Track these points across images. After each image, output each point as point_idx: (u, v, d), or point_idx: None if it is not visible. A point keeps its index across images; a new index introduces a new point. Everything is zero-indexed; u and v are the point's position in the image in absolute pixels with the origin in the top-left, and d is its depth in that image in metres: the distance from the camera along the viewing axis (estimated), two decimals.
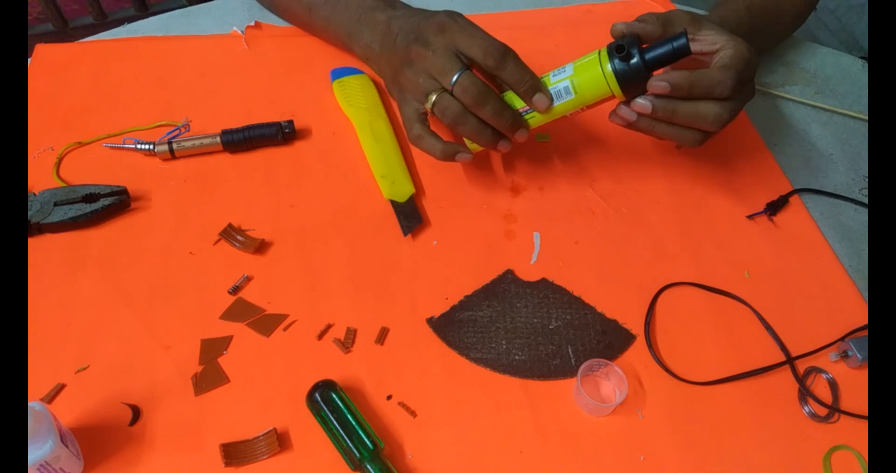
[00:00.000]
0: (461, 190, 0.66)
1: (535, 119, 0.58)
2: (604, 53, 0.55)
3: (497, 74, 0.56)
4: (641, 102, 0.55)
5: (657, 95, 0.55)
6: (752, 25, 0.70)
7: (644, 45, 0.55)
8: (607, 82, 0.55)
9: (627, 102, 0.56)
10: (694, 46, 0.57)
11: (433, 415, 0.52)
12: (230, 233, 0.60)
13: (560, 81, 0.56)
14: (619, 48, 0.54)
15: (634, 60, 0.53)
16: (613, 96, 0.56)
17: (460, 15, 0.59)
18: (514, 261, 0.61)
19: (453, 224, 0.63)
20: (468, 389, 0.53)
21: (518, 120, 0.58)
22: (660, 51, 0.54)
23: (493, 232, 0.63)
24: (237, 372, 0.53)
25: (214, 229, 0.61)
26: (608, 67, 0.54)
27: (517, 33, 0.82)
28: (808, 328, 0.58)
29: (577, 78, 0.56)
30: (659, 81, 0.53)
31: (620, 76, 0.54)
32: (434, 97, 0.56)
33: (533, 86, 0.56)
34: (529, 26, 0.82)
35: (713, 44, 0.57)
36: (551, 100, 0.57)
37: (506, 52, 0.56)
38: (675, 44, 0.53)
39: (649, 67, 0.54)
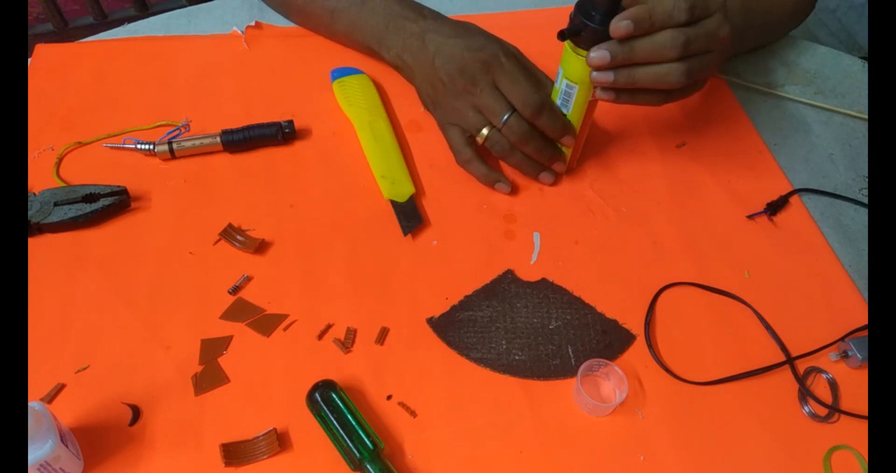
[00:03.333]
0: (461, 190, 0.66)
1: (566, 148, 0.65)
2: (567, 43, 0.57)
3: (532, 121, 0.61)
4: (595, 54, 0.54)
5: (614, 42, 0.54)
6: (745, 17, 0.69)
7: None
8: (569, 51, 0.57)
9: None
10: None
11: (433, 415, 0.52)
12: (230, 233, 0.60)
13: (560, 83, 0.59)
14: (571, 19, 0.55)
15: (576, 20, 0.54)
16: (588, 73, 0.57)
17: (505, 52, 0.63)
18: (514, 261, 0.61)
19: (453, 224, 0.63)
20: (468, 389, 0.53)
21: (557, 153, 0.65)
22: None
23: (493, 232, 0.63)
24: (237, 372, 0.53)
25: (214, 229, 0.61)
26: (568, 43, 0.56)
27: (517, 33, 0.82)
28: (808, 328, 0.58)
29: (567, 70, 0.58)
30: (619, 20, 0.52)
31: (584, 44, 0.55)
32: (486, 132, 0.63)
33: (563, 130, 0.62)
34: (529, 26, 0.81)
35: None
36: (575, 135, 0.62)
37: (542, 106, 0.60)
38: None
39: (602, 19, 0.53)
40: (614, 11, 0.53)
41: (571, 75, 0.58)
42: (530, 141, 0.62)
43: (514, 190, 0.66)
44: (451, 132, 0.66)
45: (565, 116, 0.61)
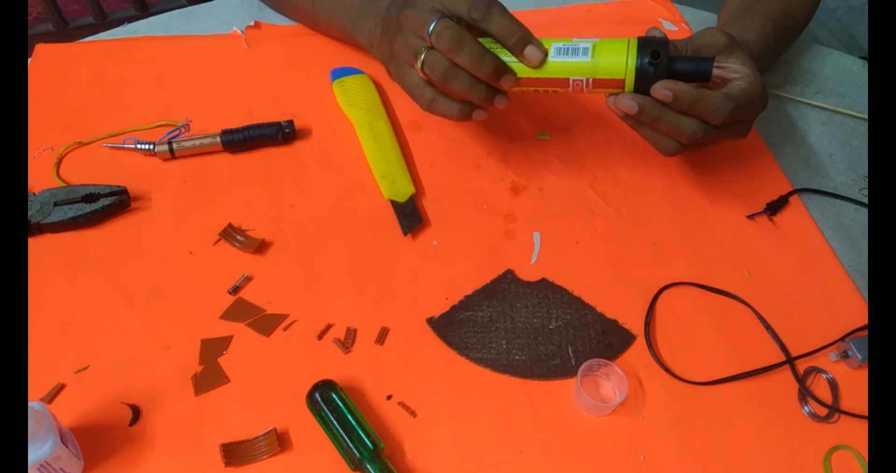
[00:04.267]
0: (461, 190, 0.66)
1: (522, 72, 0.56)
2: (634, 43, 0.54)
3: (484, 26, 0.54)
4: (627, 102, 0.55)
5: (650, 100, 0.54)
6: (777, 47, 0.70)
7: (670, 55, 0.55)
8: (626, 71, 0.54)
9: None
10: (715, 72, 0.57)
11: (433, 415, 0.52)
12: (230, 233, 0.60)
13: (581, 42, 0.55)
14: (654, 54, 0.53)
15: (660, 67, 0.53)
16: (614, 84, 0.56)
17: None
18: (514, 261, 0.61)
19: (453, 224, 0.63)
20: (468, 389, 0.53)
21: (501, 66, 0.54)
22: (684, 67, 0.54)
23: (493, 232, 0.63)
24: (237, 372, 0.53)
25: (214, 229, 0.61)
26: (635, 58, 0.54)
27: None
28: (808, 328, 0.58)
29: (601, 48, 0.55)
30: (664, 88, 0.53)
31: (640, 73, 0.54)
32: (423, 55, 0.54)
33: (523, 38, 0.54)
34: (529, 26, 0.81)
35: (734, 72, 0.58)
36: (545, 53, 0.55)
37: (491, 3, 0.54)
38: (700, 68, 0.54)
39: (668, 76, 0.54)
40: (682, 78, 0.54)
41: (601, 52, 0.55)
42: (463, 46, 0.52)
43: (514, 190, 0.66)
44: (406, 78, 0.58)
45: (509, 22, 0.54)
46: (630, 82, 0.55)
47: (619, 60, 0.54)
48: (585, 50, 0.55)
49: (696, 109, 0.54)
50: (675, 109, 0.54)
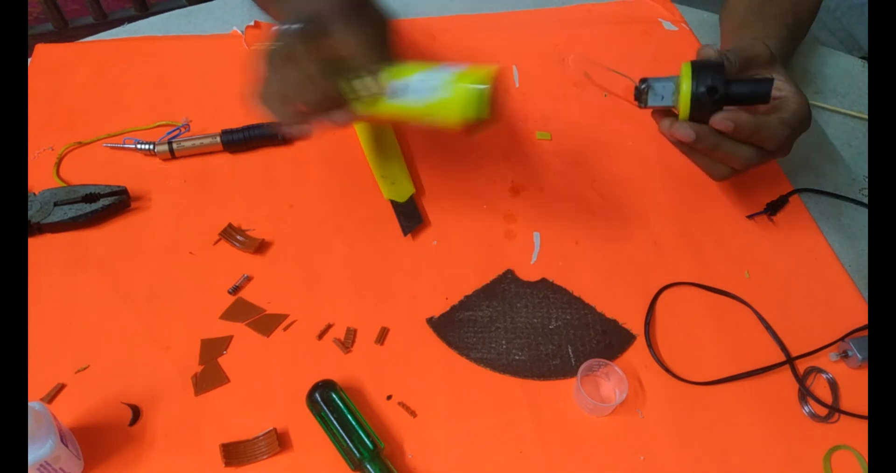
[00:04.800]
0: (461, 190, 0.66)
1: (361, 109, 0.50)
2: (688, 69, 0.53)
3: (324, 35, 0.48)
4: (685, 131, 0.54)
5: (707, 129, 0.54)
6: (791, 44, 0.70)
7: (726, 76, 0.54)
8: (680, 100, 0.54)
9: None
10: None
11: (433, 415, 0.52)
12: (230, 233, 0.60)
13: (436, 74, 0.50)
14: (709, 90, 0.53)
15: (716, 96, 0.53)
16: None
17: None
18: (514, 261, 0.61)
19: (453, 224, 0.63)
20: (468, 389, 0.53)
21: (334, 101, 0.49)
22: (742, 91, 0.54)
23: (493, 232, 0.63)
24: (237, 372, 0.53)
25: (214, 229, 0.61)
26: (690, 85, 0.53)
27: (517, 33, 0.83)
28: (808, 328, 0.58)
29: (455, 87, 0.49)
30: (725, 119, 0.53)
31: (696, 102, 0.53)
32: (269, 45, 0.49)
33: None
34: (529, 26, 0.82)
35: (779, 90, 0.58)
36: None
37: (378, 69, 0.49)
38: (759, 90, 0.54)
39: (727, 101, 0.54)
40: (739, 103, 0.54)
41: (683, 102, 0.54)
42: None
43: (514, 190, 0.66)
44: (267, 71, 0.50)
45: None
46: (685, 110, 0.54)
47: (465, 106, 0.49)
48: (434, 87, 0.49)
49: (756, 137, 0.54)
50: (733, 138, 0.55)
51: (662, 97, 0.55)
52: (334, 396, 0.50)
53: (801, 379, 0.55)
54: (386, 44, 0.51)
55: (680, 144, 0.57)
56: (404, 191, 0.64)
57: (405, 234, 0.62)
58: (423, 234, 0.63)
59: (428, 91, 0.50)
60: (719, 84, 0.53)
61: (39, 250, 0.59)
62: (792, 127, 0.56)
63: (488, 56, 0.77)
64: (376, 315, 0.57)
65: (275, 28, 0.49)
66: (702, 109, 0.54)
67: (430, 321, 0.57)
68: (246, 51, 0.76)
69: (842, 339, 0.56)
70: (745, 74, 0.57)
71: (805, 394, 0.54)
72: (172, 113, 0.70)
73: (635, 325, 0.58)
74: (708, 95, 0.53)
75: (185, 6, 0.85)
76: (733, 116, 0.53)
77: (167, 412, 0.51)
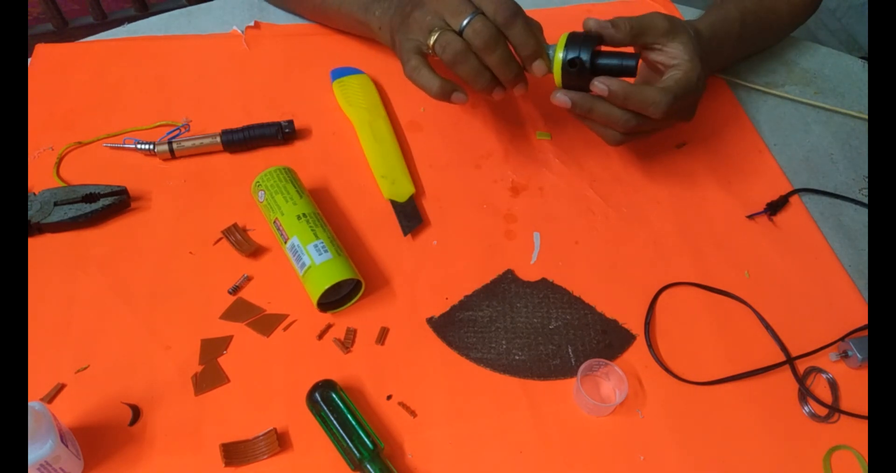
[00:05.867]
0: (461, 190, 0.66)
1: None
2: (564, 39, 0.57)
3: (504, 31, 0.56)
4: (560, 98, 0.58)
5: (582, 95, 0.57)
6: (742, 34, 0.71)
7: (601, 48, 0.57)
8: (554, 68, 0.57)
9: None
10: (655, 56, 0.60)
11: (433, 415, 0.52)
12: (233, 232, 0.60)
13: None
14: (571, 62, 0.56)
15: (582, 68, 0.56)
16: None
17: None
18: (514, 261, 0.61)
19: (453, 224, 0.63)
20: (468, 389, 0.53)
21: (521, 74, 0.58)
22: (608, 63, 0.57)
23: (493, 232, 0.63)
24: (237, 372, 0.53)
25: (214, 229, 0.61)
26: (560, 55, 0.57)
27: None
28: (808, 328, 0.58)
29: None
30: (601, 83, 0.56)
31: (564, 73, 0.57)
32: (437, 34, 0.56)
33: (535, 52, 0.57)
34: None
35: (673, 58, 0.59)
36: (549, 69, 0.58)
37: (517, 12, 0.56)
38: (624, 63, 0.57)
39: (594, 72, 0.57)
40: (609, 74, 0.57)
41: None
42: (496, 48, 0.55)
43: (514, 190, 0.66)
44: (405, 44, 0.59)
45: (527, 34, 0.56)
46: (557, 78, 0.58)
47: (555, 60, 0.57)
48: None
49: (633, 103, 0.56)
50: (610, 102, 0.57)
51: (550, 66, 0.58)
52: (334, 396, 0.50)
53: (801, 379, 0.55)
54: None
55: (569, 111, 0.59)
56: (404, 191, 0.64)
57: (405, 234, 0.62)
58: (423, 234, 0.63)
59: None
60: (585, 56, 0.56)
61: (39, 250, 0.59)
62: (674, 94, 0.56)
63: None
64: (376, 315, 0.57)
65: (428, 18, 0.57)
66: (571, 78, 0.57)
67: (430, 321, 0.57)
68: (246, 50, 0.76)
69: (842, 339, 0.56)
70: (636, 42, 0.59)
71: (805, 394, 0.54)
72: (172, 113, 0.70)
73: (635, 325, 0.58)
74: (569, 65, 0.56)
75: (185, 6, 0.85)
76: (608, 81, 0.56)
77: (167, 412, 0.51)
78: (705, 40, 0.64)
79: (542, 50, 0.57)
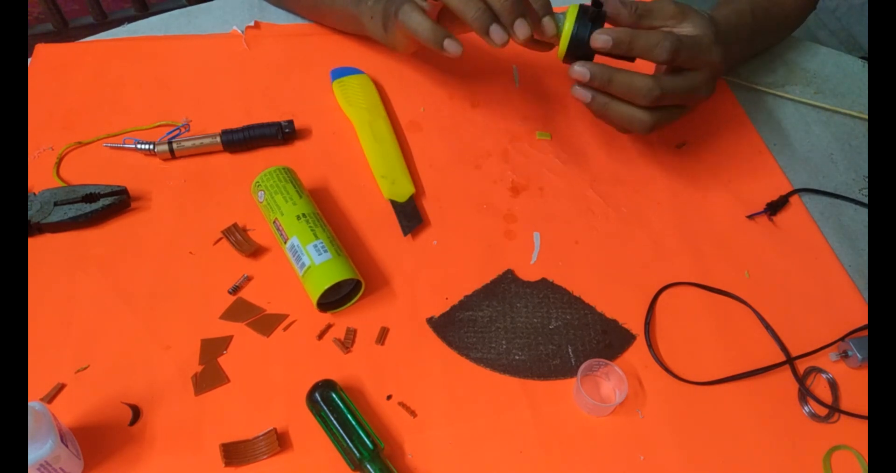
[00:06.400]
0: (461, 190, 0.66)
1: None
2: (572, 13, 0.56)
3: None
4: (579, 69, 0.56)
5: (599, 65, 0.55)
6: (754, 27, 0.70)
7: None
8: (561, 39, 0.56)
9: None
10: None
11: (433, 415, 0.52)
12: (232, 232, 0.60)
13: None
14: (578, 36, 0.56)
15: (585, 35, 0.56)
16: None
17: None
18: (514, 261, 0.61)
19: (453, 224, 0.63)
20: (468, 389, 0.53)
21: (525, 12, 0.55)
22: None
23: (493, 232, 0.63)
24: (237, 372, 0.53)
25: (215, 229, 0.61)
26: (569, 26, 0.56)
27: None
28: (808, 328, 0.58)
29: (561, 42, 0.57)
30: (601, 34, 0.55)
31: (571, 45, 0.56)
32: None
33: (546, 5, 0.56)
34: None
35: (682, 29, 0.58)
36: (557, 29, 0.56)
37: None
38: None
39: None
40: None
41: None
42: None
43: (514, 190, 0.66)
44: None
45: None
46: (562, 49, 0.57)
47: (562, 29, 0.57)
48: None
49: (638, 46, 0.54)
50: (622, 56, 0.55)
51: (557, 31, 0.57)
52: (334, 396, 0.50)
53: (801, 379, 0.55)
54: None
55: (593, 102, 0.58)
56: (404, 191, 0.64)
57: (405, 234, 0.62)
58: (423, 234, 0.63)
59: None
60: (584, 32, 0.55)
61: (39, 250, 0.59)
62: (678, 40, 0.55)
63: (488, 56, 0.77)
64: (376, 315, 0.57)
65: None
66: (577, 50, 0.56)
67: (430, 320, 0.57)
68: (246, 50, 0.76)
69: (842, 339, 0.56)
70: (641, 24, 0.58)
71: (805, 394, 0.54)
72: (172, 113, 0.70)
73: (635, 325, 0.58)
74: (576, 40, 0.56)
75: (185, 6, 0.85)
76: (608, 30, 0.55)
77: (167, 411, 0.51)
78: (723, 31, 0.62)
79: (550, 8, 0.56)
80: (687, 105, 0.60)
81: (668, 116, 0.59)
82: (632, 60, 0.57)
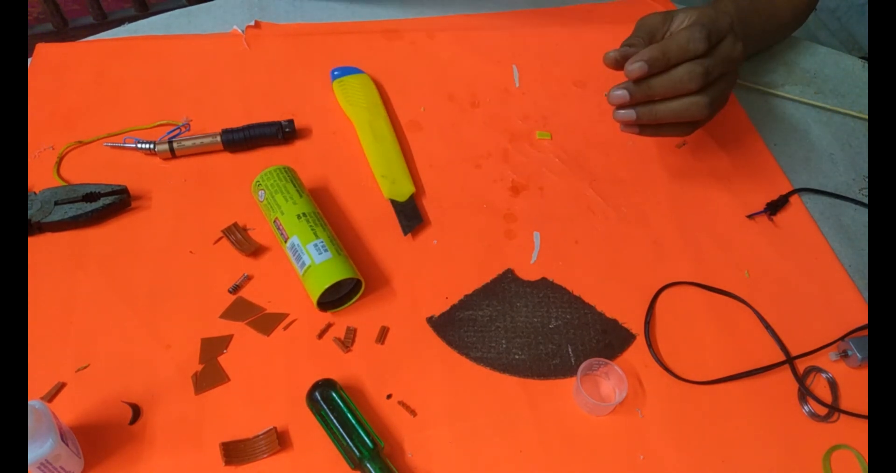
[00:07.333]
0: (461, 190, 0.66)
1: None
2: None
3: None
4: (616, 93, 0.56)
5: (627, 82, 0.55)
6: (755, 14, 0.70)
7: None
8: None
9: None
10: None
11: (433, 415, 0.52)
12: (233, 231, 0.60)
13: None
14: None
15: None
16: None
17: None
18: (514, 261, 0.61)
19: (453, 224, 0.63)
20: (468, 388, 0.54)
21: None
22: None
23: (493, 232, 0.63)
24: (237, 371, 0.53)
25: (215, 229, 0.61)
26: None
27: (517, 33, 0.83)
28: (808, 327, 0.58)
29: None
30: (633, 63, 0.54)
31: None
32: None
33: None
34: (529, 26, 0.82)
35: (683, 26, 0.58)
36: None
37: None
38: None
39: None
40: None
41: None
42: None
43: (514, 190, 0.66)
44: None
45: None
46: None
47: None
48: None
49: (674, 51, 0.54)
50: (660, 71, 0.55)
51: None
52: (334, 395, 0.50)
53: (800, 379, 0.55)
54: None
55: (639, 119, 0.57)
56: (404, 190, 0.64)
57: (405, 233, 0.62)
58: (423, 234, 0.63)
59: None
60: None
61: (39, 249, 0.59)
62: (700, 24, 0.55)
63: (488, 56, 0.77)
64: (376, 314, 0.57)
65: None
66: None
67: (430, 320, 0.57)
68: (246, 50, 0.76)
69: (842, 339, 0.56)
70: (665, 50, 0.57)
71: (805, 394, 0.54)
72: (173, 112, 0.70)
73: (635, 324, 0.58)
74: None
75: (185, 6, 0.85)
76: (637, 56, 0.54)
77: (167, 410, 0.51)
78: (715, 7, 0.61)
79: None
80: (731, 71, 0.59)
81: (719, 91, 0.58)
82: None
